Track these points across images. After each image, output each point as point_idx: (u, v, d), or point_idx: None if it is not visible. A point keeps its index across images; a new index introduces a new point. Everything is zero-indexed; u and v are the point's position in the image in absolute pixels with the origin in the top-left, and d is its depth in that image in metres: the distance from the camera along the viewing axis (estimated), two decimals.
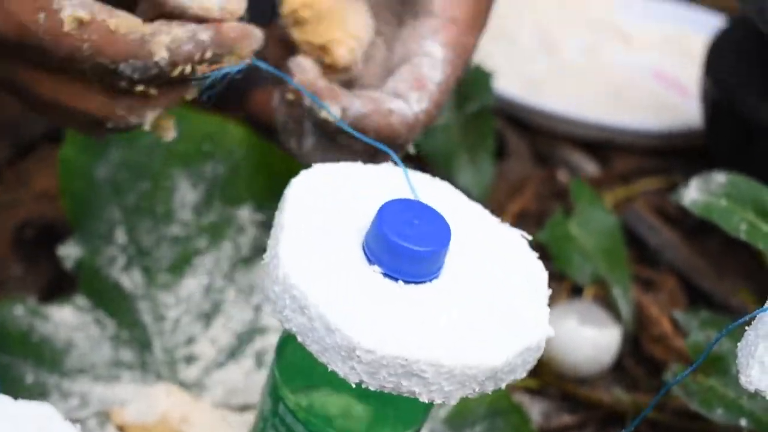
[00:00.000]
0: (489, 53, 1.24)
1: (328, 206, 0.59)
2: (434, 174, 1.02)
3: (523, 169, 1.14)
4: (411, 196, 0.59)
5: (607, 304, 0.96)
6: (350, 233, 0.58)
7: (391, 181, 0.62)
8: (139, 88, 0.67)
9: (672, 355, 0.93)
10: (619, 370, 0.95)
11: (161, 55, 0.65)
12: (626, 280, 0.96)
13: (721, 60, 1.07)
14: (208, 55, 0.67)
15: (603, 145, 1.20)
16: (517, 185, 1.12)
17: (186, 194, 0.90)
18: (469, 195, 1.01)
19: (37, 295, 0.91)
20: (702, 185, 0.88)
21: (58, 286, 0.93)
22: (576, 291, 0.98)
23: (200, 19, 0.68)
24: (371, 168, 0.62)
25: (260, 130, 1.10)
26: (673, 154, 1.19)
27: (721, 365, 0.83)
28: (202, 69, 0.67)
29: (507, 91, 1.20)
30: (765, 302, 0.61)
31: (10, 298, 0.88)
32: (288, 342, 0.61)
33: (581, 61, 1.33)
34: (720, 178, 0.87)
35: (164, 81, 0.68)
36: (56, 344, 0.85)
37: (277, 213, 0.59)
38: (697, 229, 1.06)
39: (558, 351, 0.91)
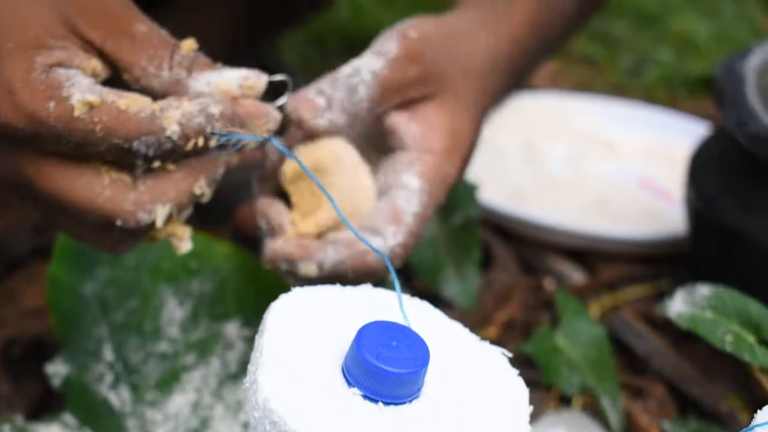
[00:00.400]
0: (474, 164, 1.25)
1: (308, 329, 0.59)
2: (421, 285, 1.03)
3: (509, 278, 1.15)
4: (388, 318, 0.59)
5: (597, 412, 0.96)
6: (330, 356, 0.58)
7: (370, 303, 0.62)
8: (156, 164, 0.68)
9: None
10: None
11: (172, 129, 0.67)
12: (615, 389, 0.96)
13: (703, 169, 1.08)
14: (219, 126, 0.68)
15: (589, 253, 1.21)
16: (504, 295, 1.12)
17: (173, 311, 0.90)
18: (456, 306, 1.03)
19: (25, 413, 0.91)
20: (687, 297, 0.89)
21: (45, 404, 0.93)
22: (565, 400, 0.98)
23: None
24: (350, 290, 0.63)
25: (247, 244, 1.11)
26: (660, 261, 1.20)
27: None
28: (213, 143, 0.69)
29: (492, 202, 1.22)
30: (754, 410, 0.61)
31: None
32: None
33: (566, 171, 1.34)
34: (704, 290, 0.88)
35: (179, 156, 0.69)
36: None
37: (257, 337, 0.59)
38: (685, 335, 1.06)
39: None
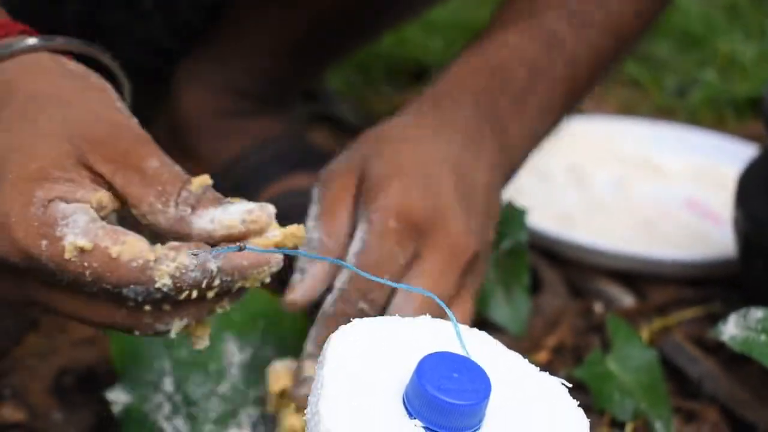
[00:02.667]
0: (521, 189, 1.25)
1: (368, 360, 0.59)
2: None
3: (558, 302, 1.14)
4: (449, 349, 0.59)
5: None
6: (390, 387, 0.58)
7: (429, 334, 0.62)
8: (147, 308, 0.67)
9: None
10: None
11: (163, 282, 0.65)
12: (668, 414, 0.96)
13: (752, 191, 1.08)
14: (217, 282, 0.67)
15: (638, 276, 1.20)
16: (553, 319, 1.12)
17: (234, 354, 0.91)
18: (506, 331, 1.02)
19: None
20: (740, 321, 0.88)
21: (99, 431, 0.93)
22: (617, 425, 0.97)
23: (228, 239, 0.69)
24: (409, 321, 0.63)
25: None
26: (709, 283, 1.19)
27: None
28: (211, 295, 0.68)
29: (540, 225, 1.21)
30: None
31: None
32: None
33: (613, 194, 1.34)
34: (758, 313, 0.88)
35: (174, 302, 0.68)
36: None
37: (317, 368, 0.59)
38: (735, 357, 1.05)
39: None
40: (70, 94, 0.70)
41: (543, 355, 1.05)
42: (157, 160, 0.69)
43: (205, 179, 0.70)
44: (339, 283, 0.81)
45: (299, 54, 1.29)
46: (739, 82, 1.70)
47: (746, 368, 1.04)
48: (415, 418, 0.57)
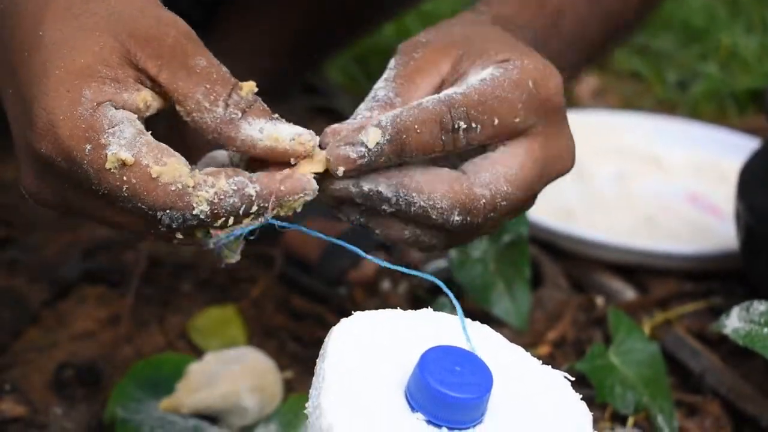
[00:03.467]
0: None
1: (369, 354, 0.59)
2: (471, 305, 1.03)
3: (559, 296, 1.14)
4: (449, 342, 0.59)
5: (652, 431, 0.95)
6: (392, 380, 0.58)
7: (430, 327, 0.62)
8: (178, 236, 0.66)
9: None
10: None
11: (201, 209, 0.64)
12: (669, 407, 0.95)
13: (753, 184, 1.07)
14: (254, 209, 0.66)
15: (639, 269, 1.20)
16: (555, 313, 1.11)
17: None
18: (507, 325, 1.02)
19: None
20: (743, 314, 0.88)
21: (98, 426, 0.93)
22: (618, 418, 0.97)
23: (270, 154, 0.67)
24: (410, 314, 0.63)
25: (297, 266, 1.11)
26: (711, 277, 1.19)
27: None
28: (247, 222, 0.66)
29: (541, 219, 1.21)
30: None
31: None
32: None
33: (614, 188, 1.34)
34: (761, 306, 0.87)
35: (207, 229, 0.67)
36: None
37: (318, 361, 0.59)
38: (737, 351, 1.05)
39: None
40: None
41: (544, 349, 1.05)
42: (205, 60, 0.68)
43: (251, 85, 0.69)
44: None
45: (299, 53, 1.29)
46: (740, 76, 1.70)
47: (748, 362, 1.04)
48: (417, 412, 0.57)
